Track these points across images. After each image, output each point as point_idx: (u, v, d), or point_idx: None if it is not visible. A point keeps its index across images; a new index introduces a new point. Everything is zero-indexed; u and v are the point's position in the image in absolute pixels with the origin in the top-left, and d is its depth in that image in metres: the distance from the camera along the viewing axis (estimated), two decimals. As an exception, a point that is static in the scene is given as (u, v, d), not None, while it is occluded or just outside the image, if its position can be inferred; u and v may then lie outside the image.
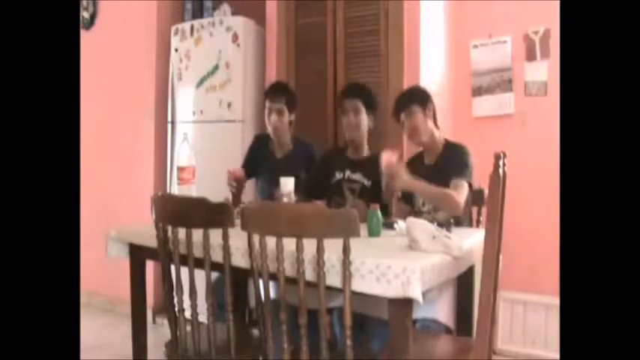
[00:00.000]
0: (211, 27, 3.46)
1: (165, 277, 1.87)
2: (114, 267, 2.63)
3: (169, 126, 3.66)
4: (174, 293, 1.84)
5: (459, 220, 2.23)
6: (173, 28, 3.65)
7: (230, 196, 2.52)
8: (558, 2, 1.37)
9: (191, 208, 1.78)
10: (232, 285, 1.75)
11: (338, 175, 2.61)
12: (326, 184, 2.61)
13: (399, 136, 2.80)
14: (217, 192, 2.38)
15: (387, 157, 2.10)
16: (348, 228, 1.47)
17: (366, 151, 2.63)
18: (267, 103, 2.76)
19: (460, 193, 2.14)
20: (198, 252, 1.75)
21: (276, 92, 2.78)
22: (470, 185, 2.23)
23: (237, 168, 2.73)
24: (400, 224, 1.95)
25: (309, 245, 1.50)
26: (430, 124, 2.36)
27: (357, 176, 2.56)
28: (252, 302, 2.26)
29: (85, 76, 2.94)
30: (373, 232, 1.89)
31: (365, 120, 2.56)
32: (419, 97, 2.37)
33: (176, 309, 1.86)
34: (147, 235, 1.98)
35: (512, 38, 3.04)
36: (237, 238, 1.70)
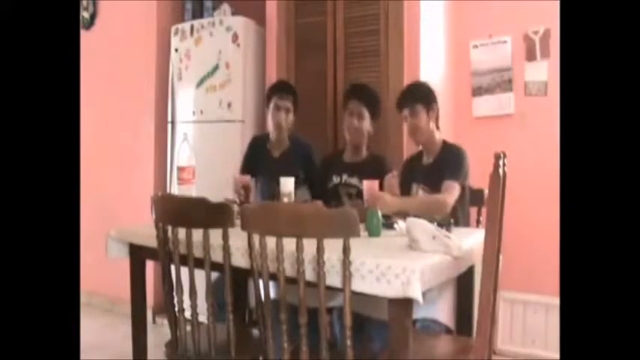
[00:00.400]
0: (211, 27, 3.46)
1: (165, 277, 1.87)
2: (114, 267, 2.63)
3: (169, 126, 3.66)
4: (174, 293, 1.84)
5: (456, 220, 2.24)
6: (173, 28, 3.65)
7: (230, 198, 2.51)
8: (558, 2, 1.37)
9: (191, 208, 1.78)
10: (232, 285, 1.75)
11: (335, 180, 2.61)
12: (324, 188, 2.62)
13: (399, 136, 2.81)
14: (217, 192, 2.38)
15: (369, 186, 2.09)
16: (348, 228, 1.47)
17: (364, 153, 2.64)
18: (275, 100, 2.75)
19: (450, 194, 2.19)
20: (198, 252, 1.75)
21: (284, 90, 2.78)
22: (463, 187, 2.26)
23: (242, 176, 2.67)
24: (400, 224, 1.95)
25: (309, 245, 1.50)
26: (432, 125, 2.39)
27: (354, 180, 2.56)
28: (252, 302, 2.26)
29: (85, 76, 2.94)
30: (373, 232, 1.89)
31: (367, 125, 2.58)
32: (425, 98, 2.39)
33: (176, 309, 1.86)
34: (147, 235, 1.98)
35: (512, 38, 3.04)
36: (237, 238, 1.70)
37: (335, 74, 3.04)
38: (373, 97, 2.61)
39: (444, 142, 2.41)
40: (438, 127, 2.42)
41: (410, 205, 2.18)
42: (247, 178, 2.59)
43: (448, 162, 2.29)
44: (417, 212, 2.02)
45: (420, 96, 2.39)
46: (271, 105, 2.76)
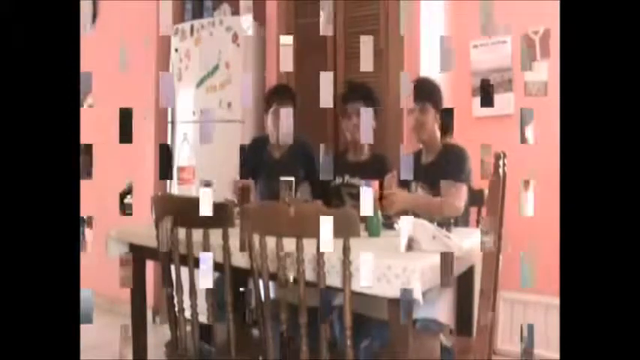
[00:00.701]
0: (211, 27, 3.46)
1: (165, 277, 1.87)
2: (114, 267, 2.63)
3: (169, 126, 3.66)
4: (175, 293, 1.84)
5: (456, 220, 2.23)
6: (173, 28, 3.64)
7: (230, 198, 2.50)
8: (558, 2, 1.37)
9: (191, 208, 1.78)
10: (232, 285, 1.74)
11: (337, 180, 2.61)
12: (326, 187, 2.62)
13: (399, 134, 2.81)
14: (217, 192, 2.37)
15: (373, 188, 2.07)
16: (348, 228, 1.47)
17: (366, 152, 2.64)
18: (276, 105, 2.73)
19: (460, 198, 2.19)
20: (198, 252, 1.75)
21: (284, 94, 2.78)
22: (469, 187, 2.25)
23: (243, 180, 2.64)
24: (400, 224, 1.95)
25: (309, 245, 1.49)
26: (436, 126, 2.40)
27: (356, 180, 2.56)
28: (253, 302, 2.26)
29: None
30: (373, 232, 1.88)
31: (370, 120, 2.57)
32: (436, 99, 2.41)
33: (176, 309, 1.86)
34: (147, 235, 1.98)
35: (512, 38, 3.04)
36: (237, 238, 1.70)
37: (335, 74, 3.03)
38: (368, 93, 2.62)
39: (445, 142, 2.40)
40: (440, 129, 2.43)
41: (420, 204, 2.17)
42: (247, 181, 2.58)
43: (451, 163, 2.29)
44: (428, 214, 2.00)
45: (433, 95, 2.40)
46: (271, 110, 2.75)
